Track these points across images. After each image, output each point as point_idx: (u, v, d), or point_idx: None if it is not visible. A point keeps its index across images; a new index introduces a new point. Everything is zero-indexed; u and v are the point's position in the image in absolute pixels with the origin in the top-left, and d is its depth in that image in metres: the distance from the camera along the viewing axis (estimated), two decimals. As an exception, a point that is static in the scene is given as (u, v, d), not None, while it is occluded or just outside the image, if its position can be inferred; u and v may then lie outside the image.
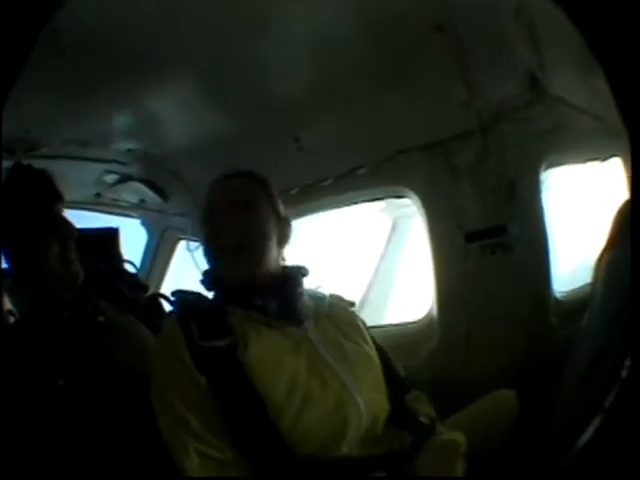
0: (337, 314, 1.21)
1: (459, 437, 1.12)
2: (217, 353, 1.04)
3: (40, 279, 1.17)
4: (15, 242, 1.17)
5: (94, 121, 1.71)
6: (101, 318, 1.21)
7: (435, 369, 1.75)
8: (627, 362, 0.78)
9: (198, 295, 1.18)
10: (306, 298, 1.17)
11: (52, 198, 1.21)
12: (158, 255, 2.15)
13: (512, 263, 1.73)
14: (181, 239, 2.15)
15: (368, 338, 1.22)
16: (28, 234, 1.16)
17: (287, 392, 1.02)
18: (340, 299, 1.27)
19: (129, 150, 1.87)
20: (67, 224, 1.20)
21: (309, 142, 1.77)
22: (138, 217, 2.17)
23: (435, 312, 1.82)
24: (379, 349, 1.22)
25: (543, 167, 1.70)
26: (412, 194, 1.80)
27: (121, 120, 1.78)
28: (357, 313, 1.29)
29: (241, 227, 1.13)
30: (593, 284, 1.37)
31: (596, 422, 0.78)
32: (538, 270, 1.73)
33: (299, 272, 1.20)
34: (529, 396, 1.31)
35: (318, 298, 1.21)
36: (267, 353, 1.06)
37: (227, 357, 1.04)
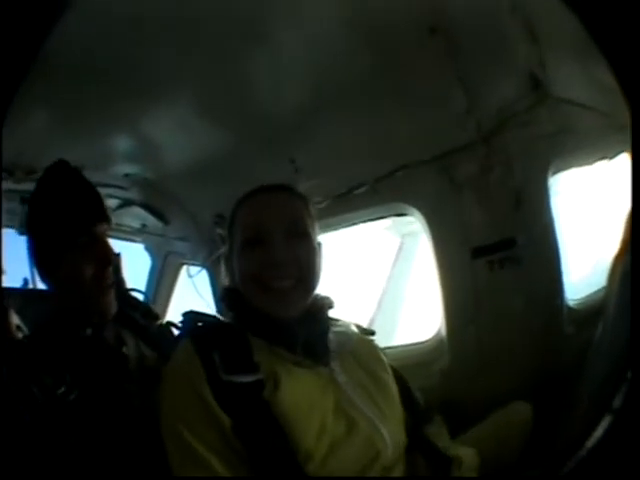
0: (360, 349, 1.12)
1: (470, 452, 1.09)
2: (242, 390, 0.93)
3: (68, 298, 1.12)
4: (46, 251, 1.12)
5: (89, 144, 1.70)
6: (125, 349, 1.16)
7: (446, 389, 1.67)
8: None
9: (217, 320, 1.09)
10: (331, 335, 1.09)
11: (96, 215, 1.13)
12: (162, 280, 2.14)
13: (523, 276, 1.65)
14: (184, 264, 2.13)
15: (389, 369, 1.15)
16: (61, 247, 1.09)
17: (317, 437, 0.94)
18: (361, 329, 1.20)
19: (126, 175, 1.87)
20: (105, 248, 1.12)
21: (306, 162, 1.74)
22: (141, 242, 2.16)
23: (444, 331, 1.75)
24: (398, 378, 1.15)
25: (550, 172, 1.63)
26: (414, 211, 1.75)
27: (116, 144, 1.78)
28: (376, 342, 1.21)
29: (297, 262, 1.02)
30: (607, 291, 1.30)
31: (605, 423, 0.75)
32: (550, 281, 1.65)
33: (325, 304, 1.10)
34: (544, 408, 1.27)
35: (342, 335, 1.12)
36: (299, 395, 0.97)
37: (253, 396, 0.94)
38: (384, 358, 1.16)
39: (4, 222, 1.34)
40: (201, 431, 0.91)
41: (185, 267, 2.13)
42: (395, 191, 1.73)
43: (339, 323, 1.15)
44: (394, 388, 1.11)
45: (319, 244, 1.09)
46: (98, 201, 1.16)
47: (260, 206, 1.06)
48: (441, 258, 1.72)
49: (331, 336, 1.08)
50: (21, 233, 1.91)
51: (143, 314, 1.28)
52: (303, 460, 0.91)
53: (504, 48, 1.53)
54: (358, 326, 1.20)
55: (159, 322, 1.31)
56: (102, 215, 1.14)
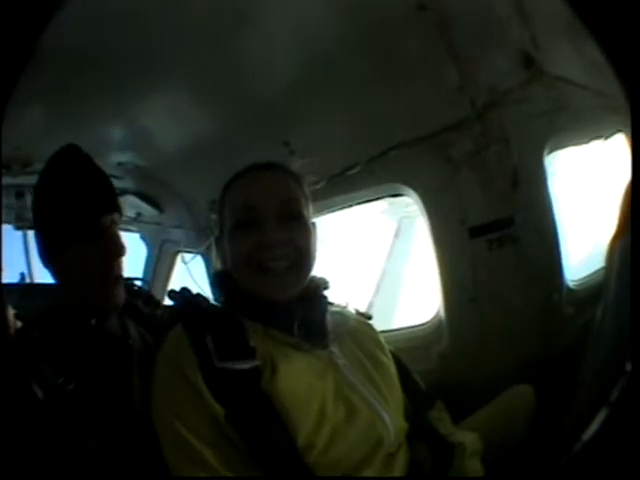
0: (358, 331, 1.09)
1: (472, 437, 1.06)
2: (238, 378, 0.89)
3: (74, 290, 1.08)
4: (52, 242, 1.07)
5: (81, 134, 1.68)
6: (130, 340, 1.12)
7: (446, 371, 1.67)
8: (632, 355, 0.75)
9: (209, 302, 1.02)
10: (328, 316, 1.05)
11: (105, 205, 1.08)
12: (158, 269, 2.13)
13: (521, 255, 1.64)
14: (180, 251, 2.12)
15: (388, 352, 1.12)
16: (68, 238, 1.05)
17: (316, 425, 0.90)
18: (358, 313, 1.17)
19: (120, 164, 1.85)
20: (114, 240, 1.07)
21: (299, 145, 1.71)
22: (137, 231, 2.15)
23: (443, 313, 1.73)
24: (398, 362, 1.12)
25: (546, 151, 1.61)
26: (410, 191, 1.72)
27: (109, 133, 1.77)
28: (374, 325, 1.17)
29: (291, 244, 0.98)
30: (607, 273, 1.28)
31: (602, 416, 0.73)
32: (549, 260, 1.63)
33: (322, 285, 1.06)
34: (545, 390, 1.27)
35: (340, 316, 1.09)
36: (298, 380, 0.93)
37: (250, 383, 0.89)
38: (383, 341, 1.13)
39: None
40: (194, 422, 0.87)
41: (181, 255, 2.12)
42: (391, 171, 1.70)
43: (335, 306, 1.12)
44: (394, 372, 1.08)
45: (313, 224, 1.06)
46: (108, 190, 1.11)
47: (252, 186, 1.02)
48: (439, 238, 1.69)
49: (329, 317, 1.04)
50: (17, 228, 1.91)
51: (145, 301, 1.25)
52: (303, 449, 0.88)
53: (496, 25, 1.51)
54: (356, 310, 1.17)
55: (161, 310, 1.27)
56: (112, 205, 1.10)
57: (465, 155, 1.63)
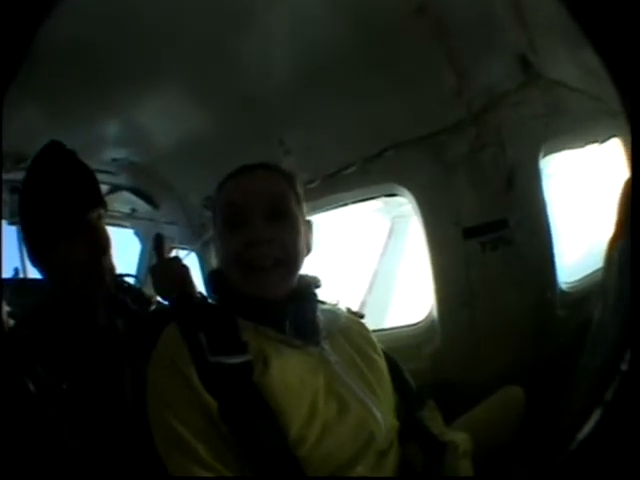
0: (350, 329, 1.11)
1: (463, 436, 1.07)
2: (230, 372, 0.90)
3: (59, 283, 1.10)
4: (37, 238, 1.10)
5: (76, 130, 1.68)
6: (120, 335, 1.15)
7: (438, 372, 1.67)
8: (627, 355, 0.75)
9: (203, 298, 1.08)
10: (319, 314, 1.07)
11: (89, 201, 1.09)
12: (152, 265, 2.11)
13: (515, 258, 1.66)
14: (174, 248, 2.11)
15: (379, 350, 1.12)
16: (53, 234, 1.07)
17: (308, 419, 0.91)
18: (350, 312, 1.18)
19: (114, 159, 1.84)
20: (101, 235, 1.10)
21: (295, 144, 1.71)
22: (131, 227, 2.14)
23: (436, 313, 1.74)
24: (389, 360, 1.13)
25: (542, 154, 1.62)
26: (405, 191, 1.73)
27: (103, 128, 1.75)
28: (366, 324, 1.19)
29: (278, 241, 0.99)
30: (605, 274, 1.30)
31: (596, 415, 0.75)
32: (543, 263, 1.66)
33: (312, 283, 1.08)
34: (537, 391, 1.29)
35: (331, 313, 1.11)
36: (289, 375, 0.94)
37: (242, 378, 0.91)
38: (374, 339, 1.14)
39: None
40: (187, 416, 0.88)
41: (175, 251, 2.10)
42: (386, 171, 1.71)
43: (327, 304, 1.13)
44: (385, 370, 1.10)
45: (308, 222, 1.07)
46: (92, 185, 1.13)
47: (240, 186, 1.04)
48: (433, 239, 1.70)
49: (320, 315, 1.06)
50: (11, 223, 1.90)
51: (134, 298, 1.26)
52: (294, 442, 0.89)
53: (494, 28, 1.52)
54: (347, 309, 1.18)
55: (153, 306, 1.28)
56: (96, 200, 1.11)
57: (460, 157, 1.64)
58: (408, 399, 1.12)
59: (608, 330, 1.20)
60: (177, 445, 0.87)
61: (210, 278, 1.10)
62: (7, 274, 1.86)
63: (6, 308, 1.06)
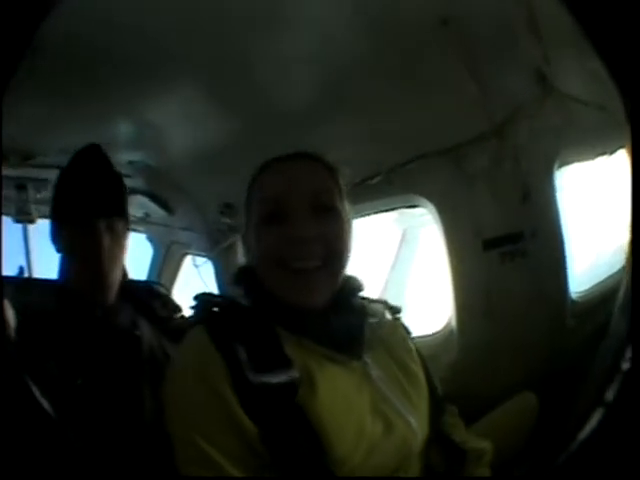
0: (390, 337, 1.01)
1: (485, 445, 1.04)
2: (273, 392, 0.79)
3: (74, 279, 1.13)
4: (61, 225, 1.14)
5: (91, 130, 1.66)
6: (138, 332, 1.15)
7: (454, 381, 1.67)
8: (628, 353, 0.73)
9: (236, 304, 0.90)
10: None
11: (107, 208, 1.14)
12: (164, 270, 2.10)
13: (530, 269, 1.68)
14: (187, 254, 2.09)
15: (416, 357, 1.04)
16: (74, 226, 1.12)
17: (354, 441, 0.83)
18: (387, 306, 1.05)
19: (130, 162, 1.82)
20: (96, 244, 1.12)
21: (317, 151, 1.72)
22: (144, 232, 2.12)
23: (454, 323, 1.75)
24: (424, 366, 1.05)
25: (556, 166, 1.65)
26: (427, 202, 1.75)
27: (119, 130, 1.73)
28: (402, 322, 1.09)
29: (323, 239, 0.87)
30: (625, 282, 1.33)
31: (598, 415, 0.73)
32: (556, 274, 1.68)
33: (355, 287, 0.96)
34: (553, 401, 1.28)
35: (372, 318, 0.97)
36: (336, 396, 0.84)
37: (286, 399, 0.79)
38: (412, 346, 1.06)
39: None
40: (222, 440, 0.77)
41: (188, 257, 2.09)
42: (408, 182, 1.72)
43: (369, 300, 1.02)
44: (423, 380, 1.03)
45: (349, 221, 0.95)
46: (116, 193, 1.17)
47: (281, 176, 0.91)
48: (453, 249, 1.72)
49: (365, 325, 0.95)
50: (16, 221, 1.87)
51: (163, 304, 1.26)
52: (337, 464, 0.80)
53: (513, 41, 1.54)
54: (384, 303, 1.06)
55: (180, 314, 1.28)
56: (114, 209, 1.15)
57: (481, 169, 1.66)
58: (434, 405, 1.07)
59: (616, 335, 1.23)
60: (210, 470, 0.76)
61: (241, 276, 0.96)
62: (12, 272, 1.83)
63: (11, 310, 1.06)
